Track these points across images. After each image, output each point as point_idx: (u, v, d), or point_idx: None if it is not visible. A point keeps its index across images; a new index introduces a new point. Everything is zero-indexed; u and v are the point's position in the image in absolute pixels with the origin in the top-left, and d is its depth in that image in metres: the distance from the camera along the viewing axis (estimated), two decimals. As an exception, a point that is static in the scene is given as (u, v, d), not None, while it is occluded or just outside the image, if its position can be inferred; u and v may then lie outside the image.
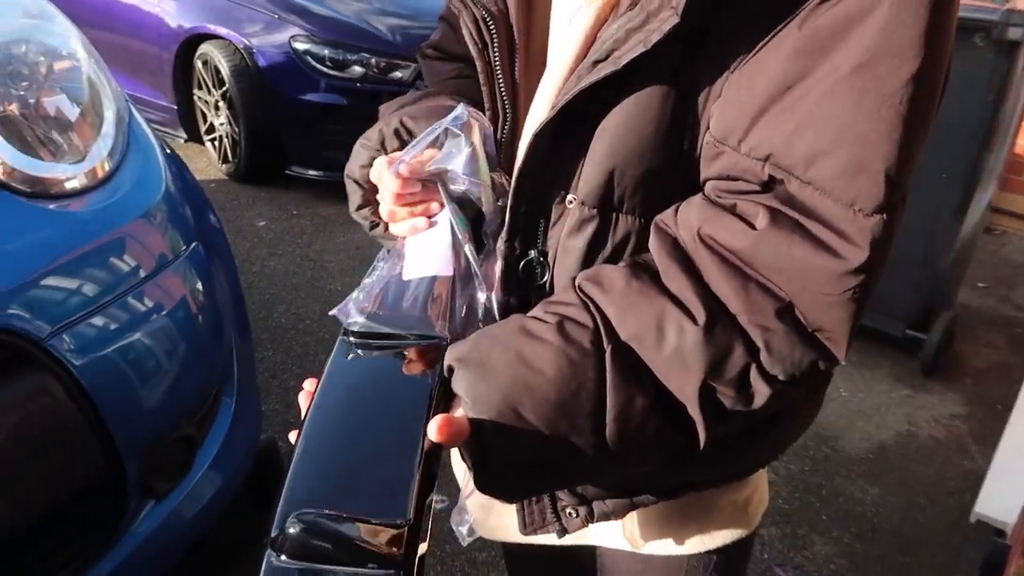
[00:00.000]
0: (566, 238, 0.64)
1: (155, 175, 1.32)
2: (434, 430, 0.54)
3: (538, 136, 0.61)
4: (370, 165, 0.73)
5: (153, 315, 1.19)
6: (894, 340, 2.69)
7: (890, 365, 2.73)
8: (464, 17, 0.70)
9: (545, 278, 0.66)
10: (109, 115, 1.26)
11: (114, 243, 1.18)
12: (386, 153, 0.73)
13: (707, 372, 0.54)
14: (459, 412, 0.57)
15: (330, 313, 0.65)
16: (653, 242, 0.59)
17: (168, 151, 1.46)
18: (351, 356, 0.62)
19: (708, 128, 0.58)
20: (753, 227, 0.54)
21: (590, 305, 0.57)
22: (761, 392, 0.56)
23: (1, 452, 0.96)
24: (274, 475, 1.60)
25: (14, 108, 1.19)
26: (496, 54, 0.69)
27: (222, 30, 3.75)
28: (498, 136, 0.71)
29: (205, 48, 3.82)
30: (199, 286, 1.30)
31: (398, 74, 3.67)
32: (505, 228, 0.66)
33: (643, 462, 0.61)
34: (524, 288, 0.67)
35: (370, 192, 0.75)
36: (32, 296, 1.01)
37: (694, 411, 0.56)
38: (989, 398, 2.60)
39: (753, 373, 0.55)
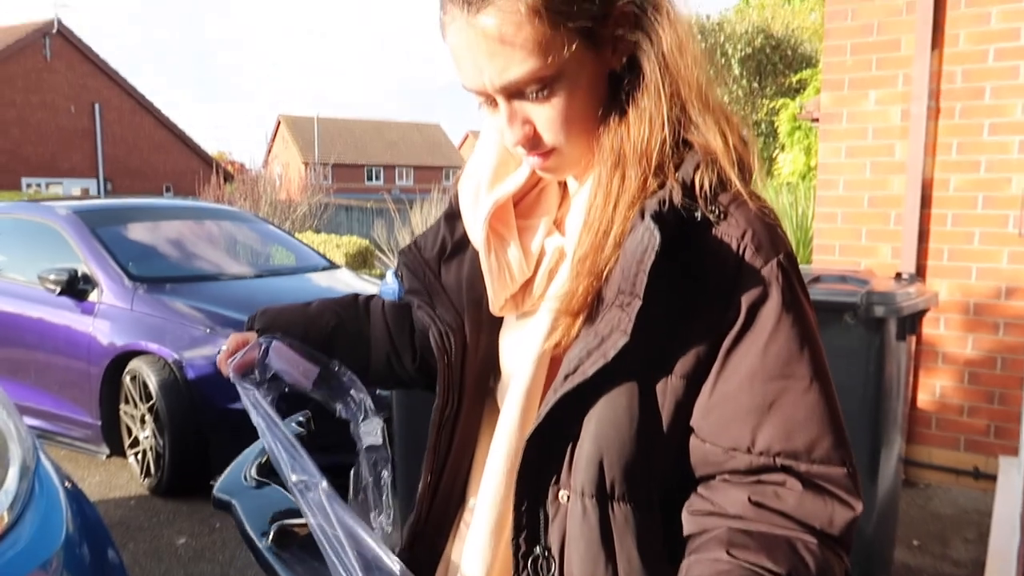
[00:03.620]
0: (575, 529, 0.77)
1: (56, 522, 1.30)
2: None
3: (531, 439, 0.77)
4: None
5: None
6: (839, 613, 2.62)
7: (841, 641, 2.63)
8: (432, 330, 0.91)
9: (552, 570, 0.78)
10: (13, 470, 1.27)
11: (2, 603, 1.13)
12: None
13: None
14: None
15: None
16: (710, 521, 0.76)
17: (69, 486, 1.45)
18: None
19: (675, 426, 0.76)
20: (787, 492, 0.74)
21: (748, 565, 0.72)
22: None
23: None
24: None
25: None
26: (454, 359, 0.90)
27: (153, 346, 3.87)
28: (443, 417, 0.90)
29: (134, 364, 3.91)
30: (91, 639, 1.23)
31: (326, 376, 3.77)
32: (512, 528, 0.79)
33: None
34: None
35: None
36: None
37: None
38: (946, 669, 2.49)
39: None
